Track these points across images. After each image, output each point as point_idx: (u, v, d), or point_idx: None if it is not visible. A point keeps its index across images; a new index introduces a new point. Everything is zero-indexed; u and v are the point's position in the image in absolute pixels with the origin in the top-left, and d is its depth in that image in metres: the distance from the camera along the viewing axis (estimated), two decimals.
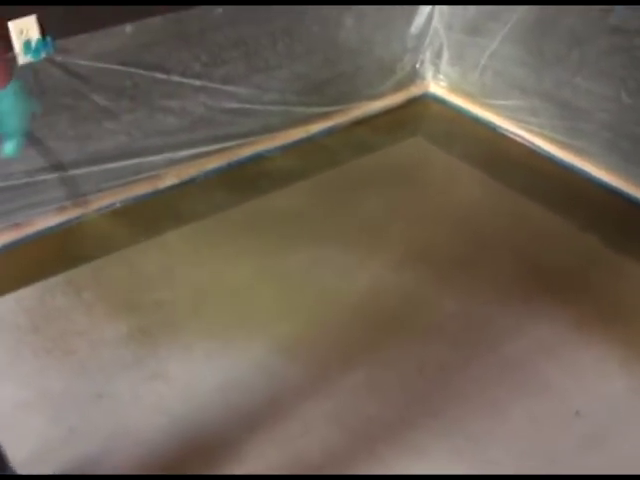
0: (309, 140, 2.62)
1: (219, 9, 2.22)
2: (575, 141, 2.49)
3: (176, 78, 2.27)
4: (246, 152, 2.52)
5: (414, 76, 2.86)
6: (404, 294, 2.06)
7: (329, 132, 2.67)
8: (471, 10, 2.65)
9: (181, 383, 1.81)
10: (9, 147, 1.56)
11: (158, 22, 2.16)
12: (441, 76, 2.87)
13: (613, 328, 1.96)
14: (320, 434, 1.70)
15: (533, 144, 2.61)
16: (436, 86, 2.89)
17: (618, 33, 2.25)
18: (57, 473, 1.61)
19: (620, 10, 2.21)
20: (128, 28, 2.11)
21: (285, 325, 1.97)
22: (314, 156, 2.56)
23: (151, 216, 2.31)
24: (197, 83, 2.31)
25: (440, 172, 2.57)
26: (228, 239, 2.24)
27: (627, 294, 2.07)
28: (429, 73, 2.88)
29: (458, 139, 2.71)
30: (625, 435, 1.71)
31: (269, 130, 2.55)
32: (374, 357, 1.88)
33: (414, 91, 2.88)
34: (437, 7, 2.74)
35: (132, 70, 2.18)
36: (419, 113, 2.85)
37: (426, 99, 2.89)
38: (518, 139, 2.65)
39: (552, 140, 2.56)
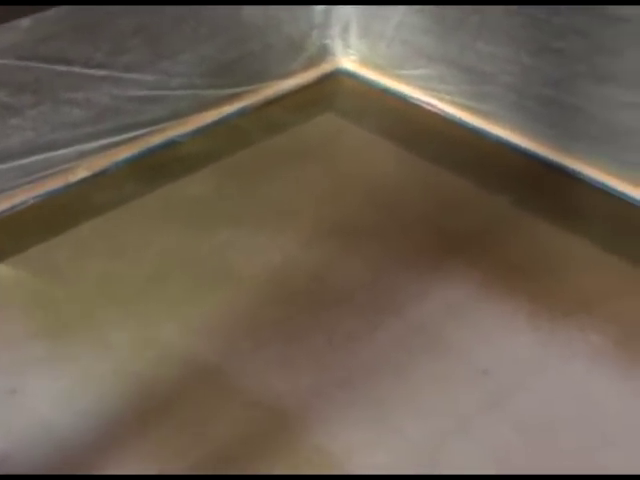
0: (221, 122, 2.62)
1: None
2: (483, 105, 2.52)
3: (78, 69, 2.25)
4: (157, 139, 2.51)
5: (324, 52, 2.86)
6: (314, 268, 2.08)
7: (241, 113, 2.67)
8: None
9: (96, 376, 1.81)
10: None
11: (54, 14, 2.14)
12: (351, 50, 2.87)
13: (519, 285, 1.99)
14: (232, 417, 1.72)
15: (443, 111, 2.63)
16: (347, 61, 2.90)
17: None
18: None
19: None
20: (24, 22, 2.10)
21: (197, 307, 1.97)
22: (226, 138, 2.56)
23: (64, 210, 2.30)
24: (101, 73, 2.30)
25: (352, 146, 2.59)
26: (142, 227, 2.24)
27: (534, 251, 2.11)
28: (339, 48, 2.89)
29: (370, 112, 2.72)
30: (532, 389, 1.75)
31: (179, 115, 2.53)
32: (285, 332, 1.89)
33: (325, 67, 2.88)
34: None
35: (32, 64, 2.16)
36: (331, 89, 2.85)
37: (338, 75, 2.89)
38: (429, 107, 2.66)
39: (461, 106, 2.58)
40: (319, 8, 2.75)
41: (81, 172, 2.39)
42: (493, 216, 2.24)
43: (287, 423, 1.70)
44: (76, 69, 2.24)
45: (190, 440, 1.66)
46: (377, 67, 2.81)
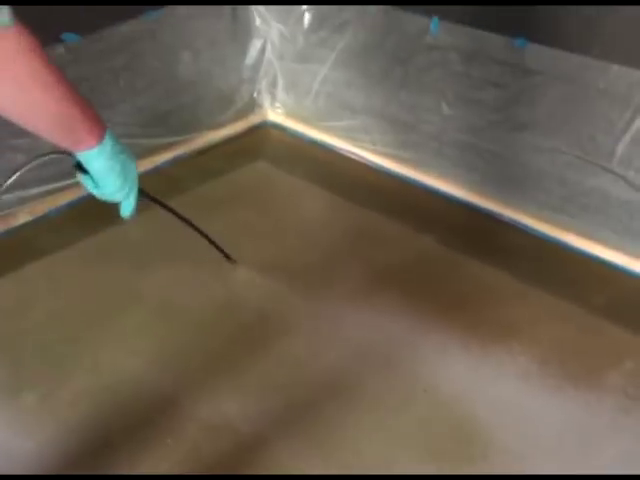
0: (155, 170, 2.72)
1: (60, 48, 2.32)
2: (406, 153, 2.69)
3: None
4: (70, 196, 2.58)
5: (253, 105, 3.01)
6: (258, 302, 2.19)
7: (174, 162, 2.79)
8: (300, 40, 2.82)
9: (53, 406, 1.88)
10: (125, 207, 1.59)
11: None
12: (278, 104, 3.02)
13: (451, 315, 2.14)
14: (189, 437, 1.81)
15: (368, 160, 2.79)
16: (274, 113, 3.05)
17: (434, 50, 2.46)
18: None
19: (434, 29, 2.42)
20: None
21: (145, 340, 2.06)
22: (161, 185, 2.61)
23: (7, 253, 2.36)
24: None
25: (284, 192, 2.72)
26: (85, 269, 2.32)
27: (461, 285, 2.26)
28: (266, 101, 3.04)
29: (298, 161, 2.86)
30: (468, 402, 1.89)
31: None
32: (233, 362, 1.99)
33: (253, 119, 3.03)
34: (268, 40, 2.90)
35: None
36: (260, 140, 2.99)
37: (265, 126, 3.05)
38: (354, 156, 2.83)
39: (385, 154, 2.75)
40: (248, 64, 2.90)
41: (23, 217, 2.46)
42: (421, 253, 2.39)
43: (241, 441, 1.80)
44: None
45: (153, 458, 1.75)
46: (303, 119, 2.96)
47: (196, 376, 1.96)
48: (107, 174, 1.45)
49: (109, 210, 2.50)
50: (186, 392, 1.92)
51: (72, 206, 2.54)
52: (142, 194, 1.66)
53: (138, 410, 1.88)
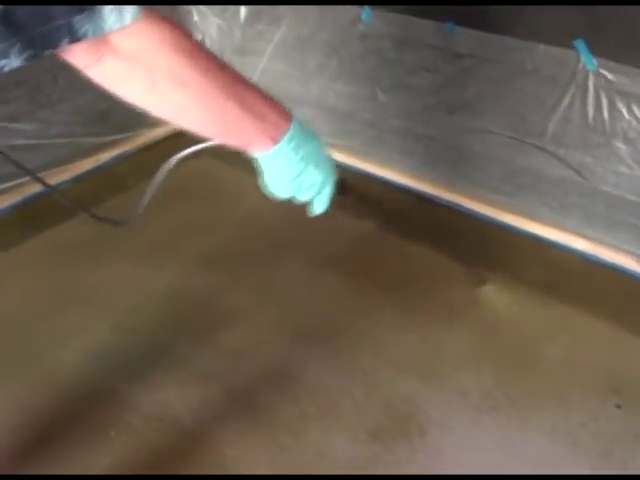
0: (99, 169, 2.74)
1: None
2: (345, 142, 2.72)
3: None
4: (38, 187, 2.59)
5: None
6: (199, 296, 2.21)
7: (118, 159, 2.80)
8: (237, 34, 2.84)
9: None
10: (318, 204, 1.33)
11: None
12: None
13: (392, 298, 2.18)
14: (133, 428, 1.84)
15: None
16: None
17: (367, 39, 2.49)
18: None
19: (367, 18, 2.45)
20: None
21: (80, 340, 2.08)
22: (105, 184, 2.67)
23: None
24: None
25: (227, 185, 2.73)
26: (29, 270, 2.34)
27: (401, 268, 2.30)
28: None
29: (241, 154, 2.87)
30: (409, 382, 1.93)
31: (58, 163, 2.64)
32: (174, 353, 2.02)
33: None
34: (207, 35, 2.92)
35: None
36: None
37: None
38: None
39: (326, 143, 2.75)
40: None
41: None
42: (362, 240, 2.42)
43: (185, 432, 1.82)
44: None
45: (97, 450, 1.77)
46: None
47: (136, 368, 1.98)
48: (287, 178, 1.22)
49: (49, 211, 2.57)
50: (127, 385, 1.94)
51: (14, 208, 2.56)
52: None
53: (79, 404, 1.89)
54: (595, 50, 2.06)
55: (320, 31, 2.61)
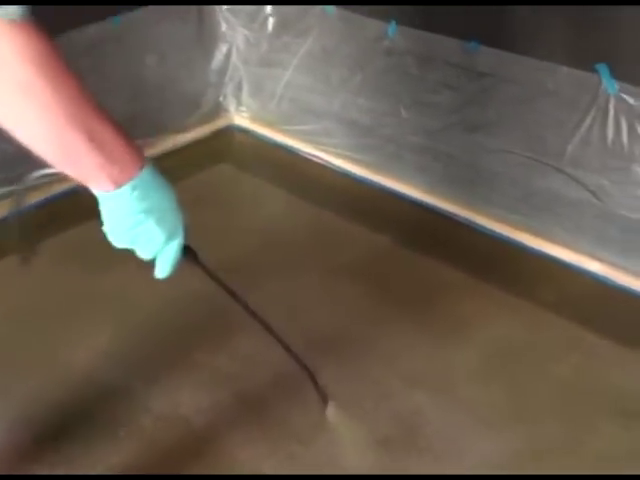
0: None
1: None
2: (365, 156, 2.74)
3: None
4: (59, 188, 2.64)
5: (218, 109, 3.07)
6: (214, 301, 2.19)
7: None
8: (264, 45, 2.88)
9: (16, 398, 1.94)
10: (159, 266, 1.16)
11: None
12: (243, 108, 3.08)
13: (405, 311, 2.20)
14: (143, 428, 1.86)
15: (329, 162, 2.85)
16: (239, 117, 3.11)
17: (392, 55, 2.52)
18: None
19: (392, 32, 2.47)
20: None
21: (95, 341, 2.12)
22: None
23: None
24: None
25: (247, 194, 2.78)
26: (42, 270, 2.36)
27: (415, 282, 2.32)
28: (232, 105, 3.09)
29: (262, 164, 2.92)
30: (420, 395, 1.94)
31: None
32: (189, 356, 2.05)
33: (219, 123, 3.09)
34: (234, 45, 2.96)
35: None
36: (225, 143, 3.06)
37: (231, 130, 3.11)
38: (316, 159, 2.88)
39: (345, 157, 2.80)
40: (214, 68, 2.96)
41: None
42: (376, 253, 2.44)
43: (194, 434, 1.85)
44: None
45: (106, 449, 1.80)
46: (268, 123, 3.02)
47: (150, 370, 2.01)
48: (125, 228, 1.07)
49: (69, 214, 2.61)
50: (139, 385, 1.97)
51: (36, 207, 2.59)
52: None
53: (91, 403, 1.93)
54: (616, 74, 2.07)
55: (345, 45, 2.64)
